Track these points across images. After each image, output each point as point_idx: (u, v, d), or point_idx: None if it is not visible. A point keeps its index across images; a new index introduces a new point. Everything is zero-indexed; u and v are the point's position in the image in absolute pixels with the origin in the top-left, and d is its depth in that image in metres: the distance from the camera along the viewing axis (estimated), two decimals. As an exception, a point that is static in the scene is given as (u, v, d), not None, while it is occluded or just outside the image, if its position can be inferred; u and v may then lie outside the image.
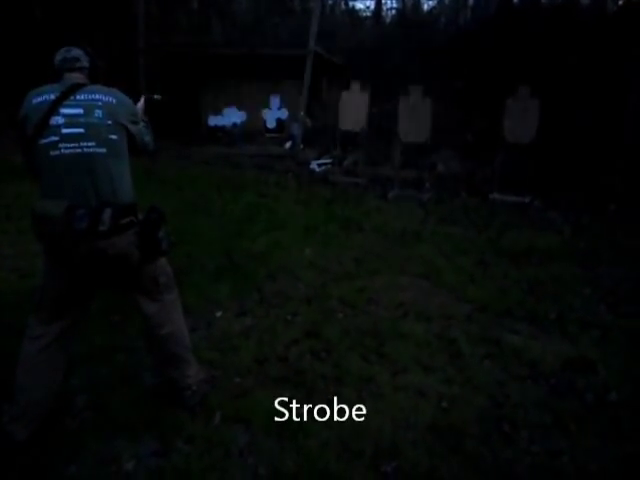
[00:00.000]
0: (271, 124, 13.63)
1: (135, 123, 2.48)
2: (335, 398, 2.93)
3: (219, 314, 3.97)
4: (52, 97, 2.26)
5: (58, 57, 2.43)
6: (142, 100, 2.98)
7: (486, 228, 6.64)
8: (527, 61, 9.94)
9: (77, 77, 2.42)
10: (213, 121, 13.92)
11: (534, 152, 8.09)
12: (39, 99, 2.27)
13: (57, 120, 2.22)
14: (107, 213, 2.27)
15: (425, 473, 2.39)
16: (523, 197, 8.02)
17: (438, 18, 17.48)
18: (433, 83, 10.81)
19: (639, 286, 4.75)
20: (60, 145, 2.21)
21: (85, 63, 2.46)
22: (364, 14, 24.13)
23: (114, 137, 2.30)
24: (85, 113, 2.25)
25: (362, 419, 2.76)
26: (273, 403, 2.86)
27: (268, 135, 13.51)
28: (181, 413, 2.74)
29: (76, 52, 2.45)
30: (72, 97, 2.27)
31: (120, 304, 3.75)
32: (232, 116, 13.73)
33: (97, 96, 2.31)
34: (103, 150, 2.27)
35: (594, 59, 9.26)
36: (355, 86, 9.58)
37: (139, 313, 2.67)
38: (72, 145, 2.22)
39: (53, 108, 2.23)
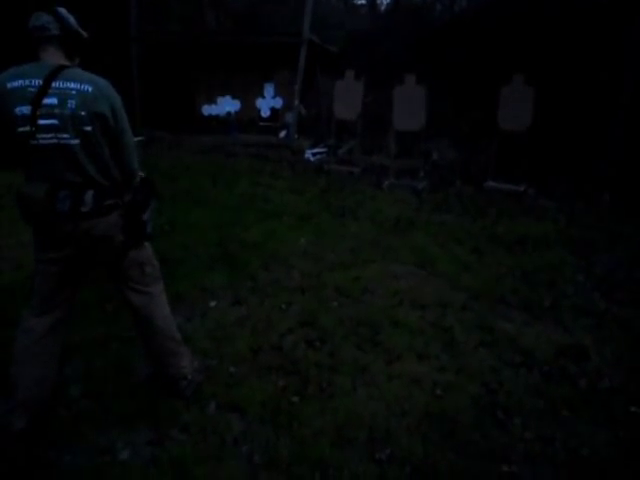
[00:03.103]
0: (265, 113, 13.54)
1: (114, 117, 2.30)
2: (329, 387, 2.95)
3: (213, 303, 3.96)
4: (28, 83, 2.15)
5: (29, 24, 2.24)
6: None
7: (481, 216, 6.64)
8: (522, 49, 9.89)
9: (50, 53, 2.27)
10: (207, 110, 13.81)
11: (529, 140, 8.08)
12: (15, 83, 2.15)
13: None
14: (89, 194, 2.25)
15: (419, 460, 2.41)
16: (518, 185, 8.02)
17: (433, 6, 17.35)
18: (428, 71, 10.77)
19: (632, 274, 4.77)
20: (37, 135, 2.16)
21: (55, 31, 2.25)
22: (359, 2, 23.97)
23: (88, 128, 2.22)
24: (59, 103, 2.16)
25: (356, 407, 2.77)
26: (268, 392, 2.87)
27: (262, 124, 13.42)
28: (176, 402, 2.75)
29: (45, 18, 2.23)
30: (49, 85, 2.17)
31: (114, 294, 3.74)
32: (226, 105, 13.63)
33: (72, 84, 2.19)
34: (77, 141, 2.21)
35: (589, 47, 9.23)
36: (350, 74, 9.52)
37: (128, 306, 2.66)
38: (49, 136, 2.17)
39: (39, 99, 2.14)
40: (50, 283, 2.44)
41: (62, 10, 2.30)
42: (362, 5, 22.68)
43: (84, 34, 2.40)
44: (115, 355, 3.18)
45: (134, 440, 2.51)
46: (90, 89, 2.22)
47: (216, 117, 13.68)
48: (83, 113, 2.20)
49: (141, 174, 2.55)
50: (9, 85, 2.15)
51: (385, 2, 20.59)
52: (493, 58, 10.49)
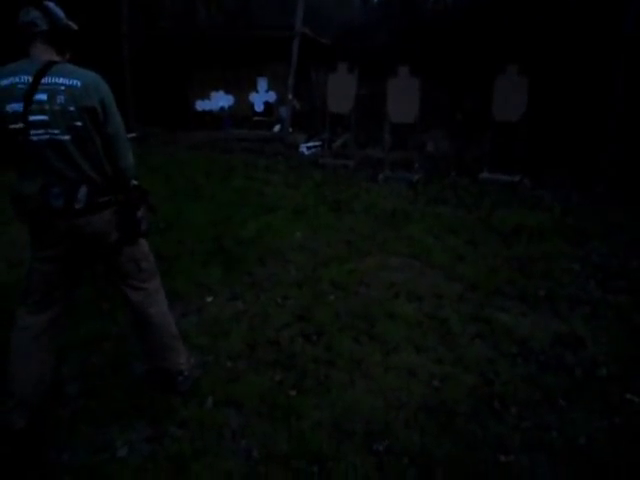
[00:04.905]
0: (259, 107, 13.52)
1: (103, 109, 2.27)
2: (327, 380, 2.95)
3: (210, 299, 3.96)
4: (18, 80, 2.15)
5: (18, 20, 2.23)
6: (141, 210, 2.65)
7: (476, 207, 6.65)
8: (516, 39, 9.88)
9: (40, 49, 2.26)
10: (201, 105, 13.79)
11: (523, 131, 8.08)
12: (5, 81, 2.16)
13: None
14: (83, 191, 2.25)
15: (416, 451, 2.41)
16: (512, 176, 8.03)
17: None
18: (421, 63, 10.75)
19: (627, 262, 4.79)
20: (29, 131, 2.16)
21: (44, 26, 2.23)
22: (351, -6, 23.84)
23: (78, 123, 2.21)
24: (49, 99, 2.16)
25: (354, 400, 2.78)
26: (265, 386, 2.88)
27: (256, 118, 13.40)
28: (173, 398, 2.74)
29: (33, 14, 2.22)
30: (39, 81, 2.17)
31: (109, 292, 3.74)
32: (220, 100, 13.60)
33: (61, 80, 2.19)
34: (67, 137, 2.20)
35: (583, 36, 9.22)
36: (343, 67, 9.50)
37: (125, 302, 2.66)
38: (40, 132, 2.16)
39: (30, 95, 2.14)
40: (46, 281, 2.43)
41: (50, 4, 2.29)
42: (355, -3, 22.56)
43: (74, 27, 2.38)
44: (112, 353, 3.18)
45: (132, 437, 2.50)
46: (79, 84, 2.21)
47: (210, 112, 13.65)
48: (72, 108, 2.19)
49: (134, 182, 2.52)
50: (1, 83, 2.16)
51: (377, -6, 20.48)
52: (487, 48, 10.47)
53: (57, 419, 2.62)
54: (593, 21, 9.11)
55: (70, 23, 2.35)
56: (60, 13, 2.31)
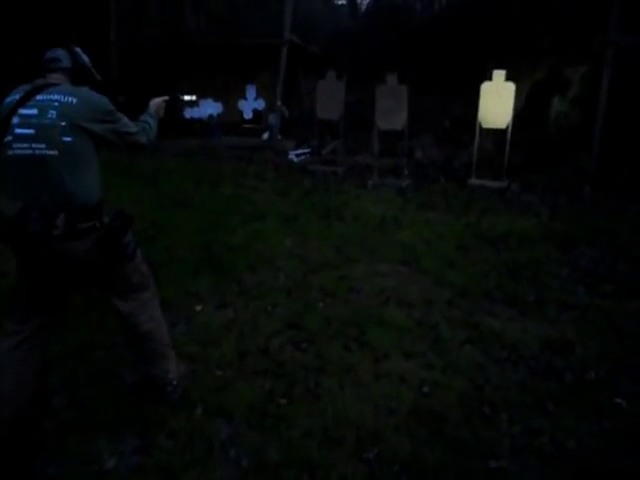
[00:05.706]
0: (248, 115, 13.52)
1: (104, 122, 2.34)
2: (316, 388, 2.94)
3: (199, 307, 3.94)
4: (18, 97, 2.24)
5: (44, 57, 2.42)
6: (158, 100, 2.95)
7: (465, 213, 6.67)
8: (502, 45, 9.97)
9: (56, 78, 2.37)
10: (189, 113, 13.75)
11: (511, 137, 8.14)
12: (9, 98, 2.27)
13: (14, 120, 2.20)
14: (61, 217, 2.19)
15: (407, 458, 2.41)
16: (501, 181, 8.08)
17: (414, 4, 17.38)
18: (409, 70, 10.81)
19: (615, 266, 4.82)
20: (13, 145, 2.18)
21: (67, 63, 2.42)
22: (339, 2, 23.97)
23: (68, 139, 2.20)
24: (38, 114, 2.18)
25: (344, 407, 2.77)
26: (255, 395, 2.86)
27: (245, 126, 13.39)
28: (162, 408, 2.71)
29: (58, 53, 2.41)
30: (32, 97, 2.22)
31: (98, 301, 3.70)
32: (208, 107, 13.58)
33: (56, 96, 2.22)
34: (54, 152, 2.18)
35: (569, 43, 9.32)
36: (331, 75, 9.53)
37: (115, 313, 2.63)
38: (24, 146, 2.17)
39: (15, 108, 2.20)
40: (30, 294, 2.41)
41: (78, 49, 2.48)
42: (342, 5, 22.69)
43: (97, 77, 2.55)
44: (100, 363, 3.15)
45: (120, 449, 2.47)
46: (74, 100, 2.25)
47: (198, 120, 13.62)
48: (63, 123, 2.20)
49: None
50: (6, 100, 2.28)
51: (365, 1, 20.63)
52: (474, 55, 10.55)
53: (44, 431, 2.58)
54: (579, 29, 9.21)
55: (94, 71, 2.53)
56: (85, 58, 2.50)
